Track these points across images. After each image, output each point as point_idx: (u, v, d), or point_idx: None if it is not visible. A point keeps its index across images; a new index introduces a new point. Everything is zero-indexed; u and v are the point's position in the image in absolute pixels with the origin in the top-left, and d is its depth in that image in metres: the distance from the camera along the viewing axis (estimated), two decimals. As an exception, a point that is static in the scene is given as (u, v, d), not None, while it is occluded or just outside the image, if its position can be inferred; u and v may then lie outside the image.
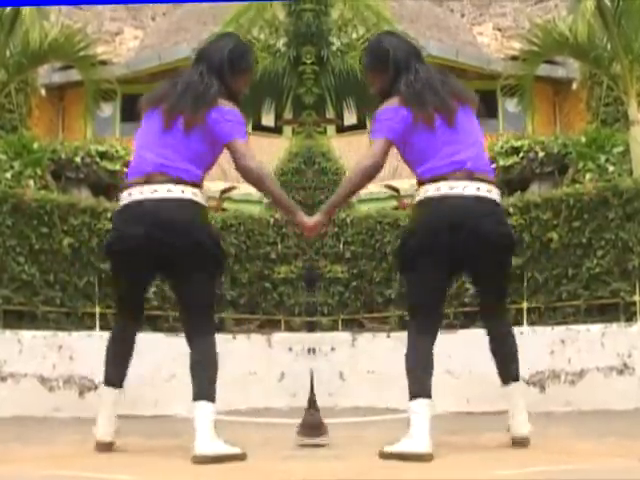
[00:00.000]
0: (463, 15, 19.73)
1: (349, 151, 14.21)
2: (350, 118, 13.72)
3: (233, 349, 6.58)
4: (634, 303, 6.28)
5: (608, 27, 9.37)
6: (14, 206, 6.48)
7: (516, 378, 4.13)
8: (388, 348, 6.62)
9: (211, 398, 3.74)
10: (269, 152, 14.06)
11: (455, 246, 3.80)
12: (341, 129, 14.83)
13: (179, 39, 17.20)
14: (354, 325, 7.07)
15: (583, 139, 14.13)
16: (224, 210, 8.83)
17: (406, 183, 15.21)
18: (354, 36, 9.38)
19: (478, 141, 4.04)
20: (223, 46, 4.09)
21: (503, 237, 3.91)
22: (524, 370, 6.06)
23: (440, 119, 3.92)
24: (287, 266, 7.15)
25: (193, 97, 3.89)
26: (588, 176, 13.28)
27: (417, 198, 3.97)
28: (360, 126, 14.84)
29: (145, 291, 4.16)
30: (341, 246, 7.28)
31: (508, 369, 4.15)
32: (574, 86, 16.97)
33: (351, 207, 8.41)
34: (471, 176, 3.87)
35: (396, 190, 12.61)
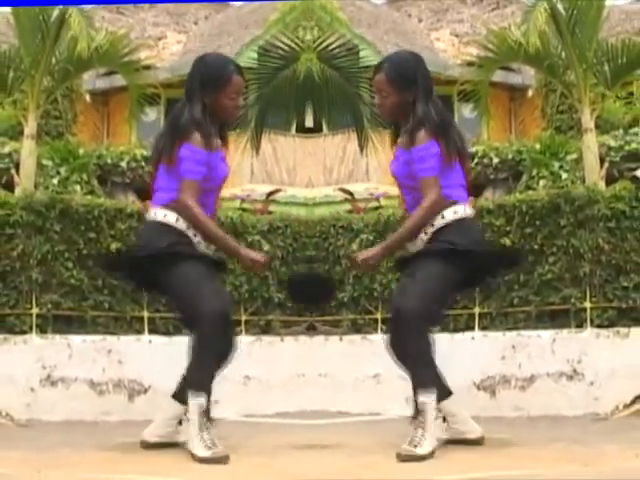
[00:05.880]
0: (421, 20, 19.84)
1: (304, 153, 14.24)
2: (307, 121, 13.74)
3: (281, 351, 6.60)
4: (584, 309, 6.34)
5: (562, 35, 9.46)
6: (62, 211, 6.51)
7: None
8: (341, 351, 6.63)
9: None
10: (312, 153, 14.05)
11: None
12: (302, 130, 14.87)
13: (222, 43, 17.06)
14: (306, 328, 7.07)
15: (537, 146, 14.29)
16: (270, 213, 8.84)
17: (360, 187, 15.28)
18: (308, 38, 9.36)
19: None
20: (192, 72, 4.21)
21: None
22: (475, 375, 6.14)
23: (457, 159, 4.19)
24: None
25: (168, 135, 4.16)
26: (542, 183, 13.46)
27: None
28: (316, 129, 14.85)
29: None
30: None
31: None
32: (530, 93, 17.12)
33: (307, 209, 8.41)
34: None
35: (350, 194, 12.64)
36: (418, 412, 3.95)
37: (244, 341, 6.35)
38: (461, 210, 4.14)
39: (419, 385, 3.98)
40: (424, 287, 4.02)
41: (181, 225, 4.09)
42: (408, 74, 4.20)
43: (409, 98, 4.15)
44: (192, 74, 4.19)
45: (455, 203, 4.14)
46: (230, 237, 4.25)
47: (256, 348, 6.50)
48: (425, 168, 4.07)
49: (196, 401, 3.94)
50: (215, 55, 4.60)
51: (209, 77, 4.14)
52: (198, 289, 4.02)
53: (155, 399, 5.55)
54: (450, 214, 4.11)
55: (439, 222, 4.10)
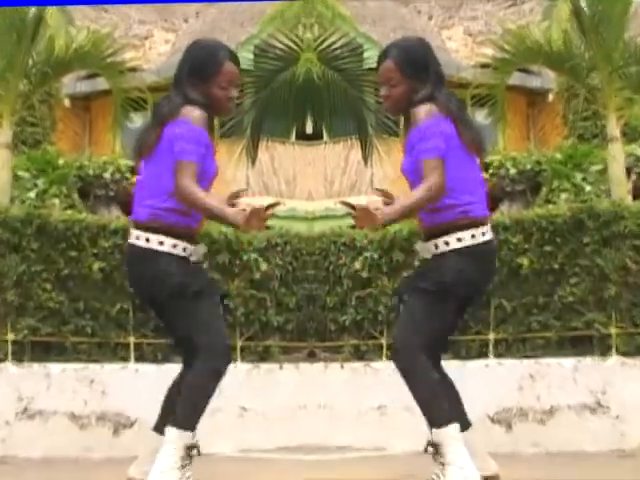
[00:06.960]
0: (431, 18, 19.92)
1: (304, 162, 14.27)
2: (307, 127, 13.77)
3: (280, 380, 6.59)
4: (610, 335, 6.36)
5: (586, 35, 9.50)
6: (39, 228, 6.52)
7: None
8: (342, 380, 6.63)
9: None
10: (312, 162, 14.05)
11: None
12: (302, 136, 14.90)
13: (214, 42, 17.16)
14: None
15: (558, 156, 14.34)
16: (268, 228, 8.82)
17: (364, 200, 15.27)
18: (308, 36, 9.40)
19: None
20: (182, 59, 4.18)
21: None
22: (489, 407, 6.15)
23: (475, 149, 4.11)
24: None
25: (154, 118, 4.07)
26: (563, 196, 13.50)
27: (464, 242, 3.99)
28: (315, 136, 14.87)
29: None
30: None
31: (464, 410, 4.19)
32: (550, 98, 17.18)
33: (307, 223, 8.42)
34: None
35: (353, 207, 12.62)
36: (435, 450, 3.92)
37: (240, 369, 6.35)
38: (467, 237, 3.98)
39: (429, 424, 3.96)
40: (414, 320, 3.98)
41: (169, 248, 3.95)
42: (419, 60, 4.10)
43: (420, 87, 4.04)
44: (182, 60, 4.17)
45: (468, 226, 3.98)
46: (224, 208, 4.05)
47: (253, 376, 6.49)
48: (426, 149, 3.90)
49: (182, 440, 3.83)
50: (208, 40, 4.50)
51: (199, 63, 4.13)
52: (215, 321, 4.02)
53: (142, 433, 5.53)
54: (454, 241, 3.97)
55: (442, 248, 3.98)
